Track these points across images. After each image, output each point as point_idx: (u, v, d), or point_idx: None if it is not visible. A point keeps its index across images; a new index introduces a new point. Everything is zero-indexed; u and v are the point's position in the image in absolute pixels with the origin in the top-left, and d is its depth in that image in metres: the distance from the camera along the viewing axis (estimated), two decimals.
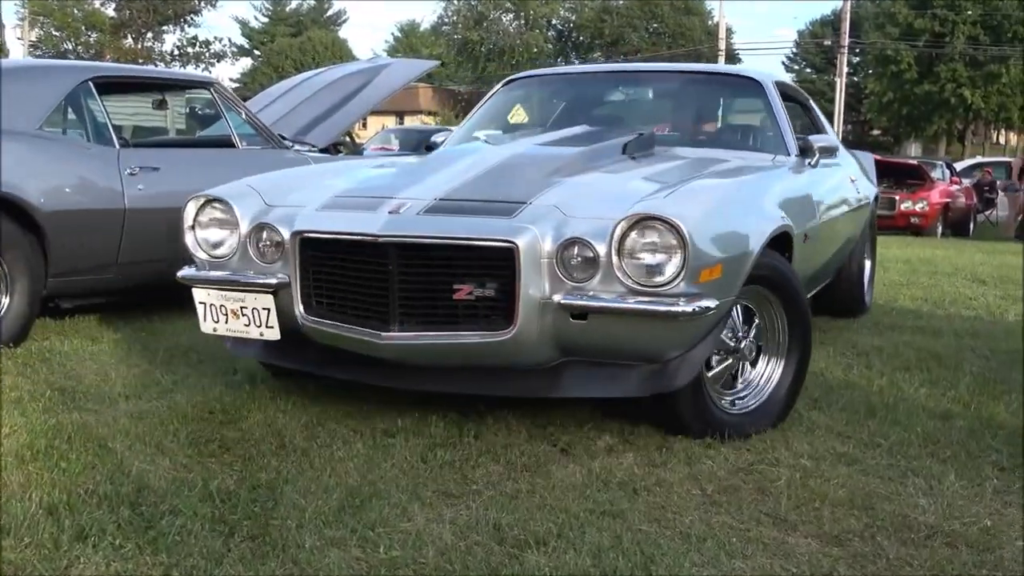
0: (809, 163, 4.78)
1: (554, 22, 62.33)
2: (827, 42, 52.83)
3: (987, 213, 21.72)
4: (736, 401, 3.72)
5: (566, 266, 3.23)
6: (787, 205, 3.98)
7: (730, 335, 3.66)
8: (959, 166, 23.77)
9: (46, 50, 40.39)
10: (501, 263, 3.21)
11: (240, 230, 3.74)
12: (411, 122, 50.55)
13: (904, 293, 7.69)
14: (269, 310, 3.63)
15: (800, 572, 2.49)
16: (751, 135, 5.18)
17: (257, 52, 61.26)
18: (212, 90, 6.36)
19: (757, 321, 3.76)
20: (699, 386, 3.50)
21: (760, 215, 3.69)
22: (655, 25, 59.27)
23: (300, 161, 6.41)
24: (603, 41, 59.40)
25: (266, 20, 63.13)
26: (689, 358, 3.34)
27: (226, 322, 3.72)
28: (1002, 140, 64.15)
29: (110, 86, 5.90)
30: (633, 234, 3.17)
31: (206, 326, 3.77)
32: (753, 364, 3.79)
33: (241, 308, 3.67)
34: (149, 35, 42.56)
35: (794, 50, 62.78)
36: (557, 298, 3.21)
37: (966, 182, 20.62)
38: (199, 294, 3.75)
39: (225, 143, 6.26)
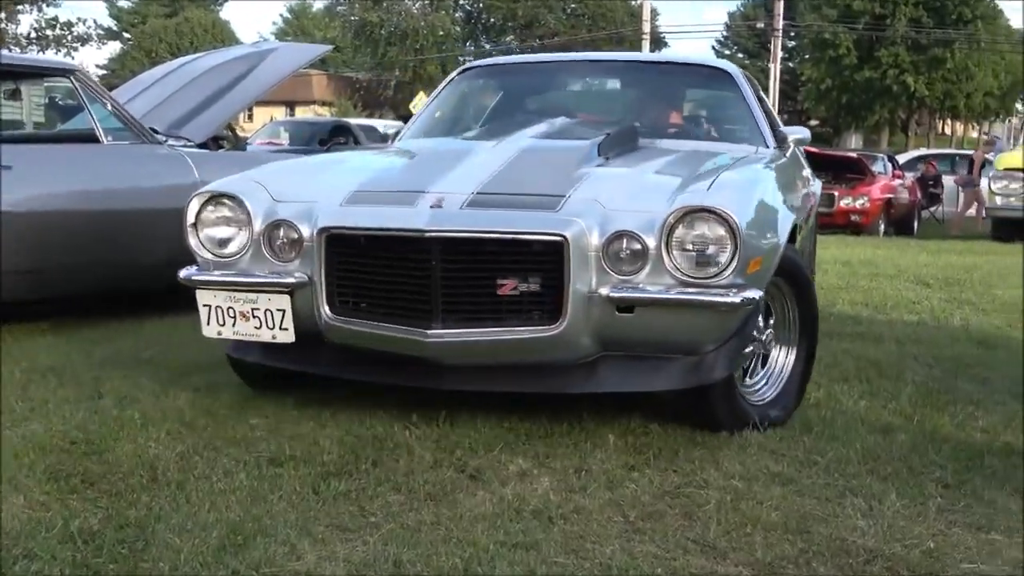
0: (786, 155, 5.13)
1: (462, 2, 62.49)
2: (760, 24, 53.78)
3: (932, 209, 22.23)
4: (755, 392, 4.11)
5: (613, 259, 3.56)
6: (791, 198, 4.47)
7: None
8: (902, 159, 24.29)
9: None
10: (549, 257, 3.53)
11: (252, 227, 3.89)
12: (303, 113, 50.22)
13: (843, 297, 7.85)
14: (284, 311, 3.80)
15: None
16: (729, 127, 5.53)
17: (127, 35, 60.35)
18: (73, 78, 6.23)
19: (774, 311, 4.14)
20: (731, 379, 3.85)
21: (783, 208, 4.12)
22: (573, 6, 59.80)
23: (174, 158, 6.32)
24: (516, 23, 59.74)
25: None
26: (727, 349, 3.73)
27: (233, 325, 3.87)
28: (948, 130, 66.01)
29: None
30: (682, 226, 3.53)
31: (209, 330, 3.91)
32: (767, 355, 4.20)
33: (252, 310, 3.83)
34: (2, 15, 41.56)
35: (725, 33, 63.88)
36: (603, 291, 3.54)
37: (909, 176, 21.09)
38: (204, 296, 3.89)
39: (88, 138, 6.14)
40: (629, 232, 3.55)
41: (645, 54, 7.37)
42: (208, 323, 3.90)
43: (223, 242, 3.96)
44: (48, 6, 41.06)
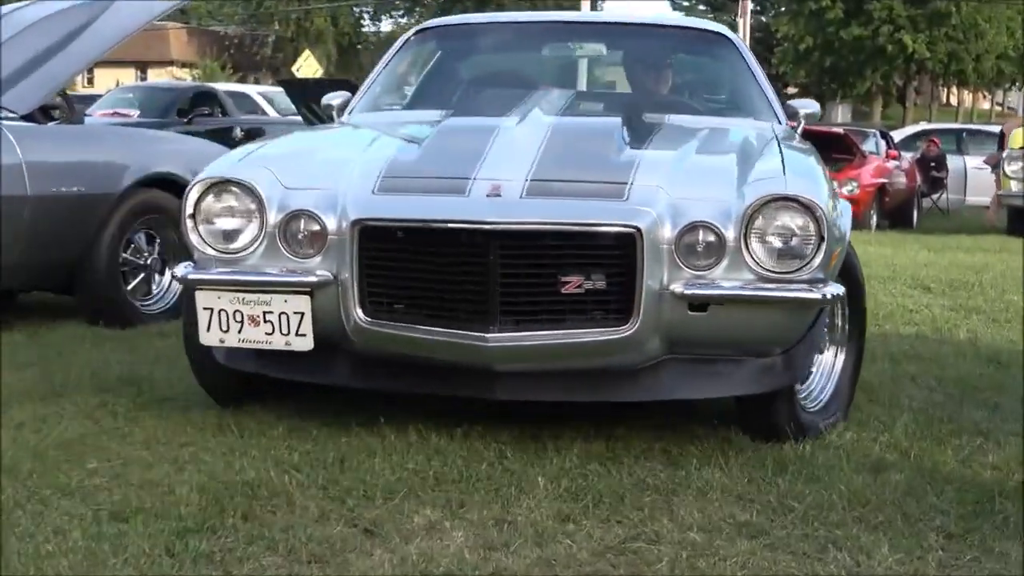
0: (798, 133, 5.58)
1: None
2: None
3: (934, 197, 22.33)
4: (808, 397, 4.52)
5: (686, 252, 3.86)
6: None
7: None
8: (898, 135, 24.50)
9: None
10: (620, 250, 3.83)
11: (266, 219, 4.04)
12: (158, 76, 49.76)
13: None
14: (302, 315, 3.97)
15: None
16: (738, 101, 5.95)
17: None
18: None
19: (827, 309, 4.42)
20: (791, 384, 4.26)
21: (837, 195, 4.46)
22: None
23: None
24: None
25: None
26: (801, 350, 4.15)
27: (239, 331, 4.03)
28: (953, 100, 67.02)
29: None
30: (762, 217, 3.86)
31: (210, 337, 4.07)
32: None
33: (264, 314, 4.00)
34: None
35: None
36: (675, 288, 3.84)
37: (907, 157, 21.28)
38: (204, 298, 4.05)
39: None
40: (705, 223, 3.86)
41: (630, 14, 7.69)
42: (208, 329, 4.04)
43: (229, 235, 4.10)
44: None
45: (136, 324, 6.37)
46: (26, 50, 7.43)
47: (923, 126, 31.14)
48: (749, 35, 39.20)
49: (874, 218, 17.78)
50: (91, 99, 18.80)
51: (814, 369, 4.57)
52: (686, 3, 63.42)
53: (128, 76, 48.44)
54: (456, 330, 3.89)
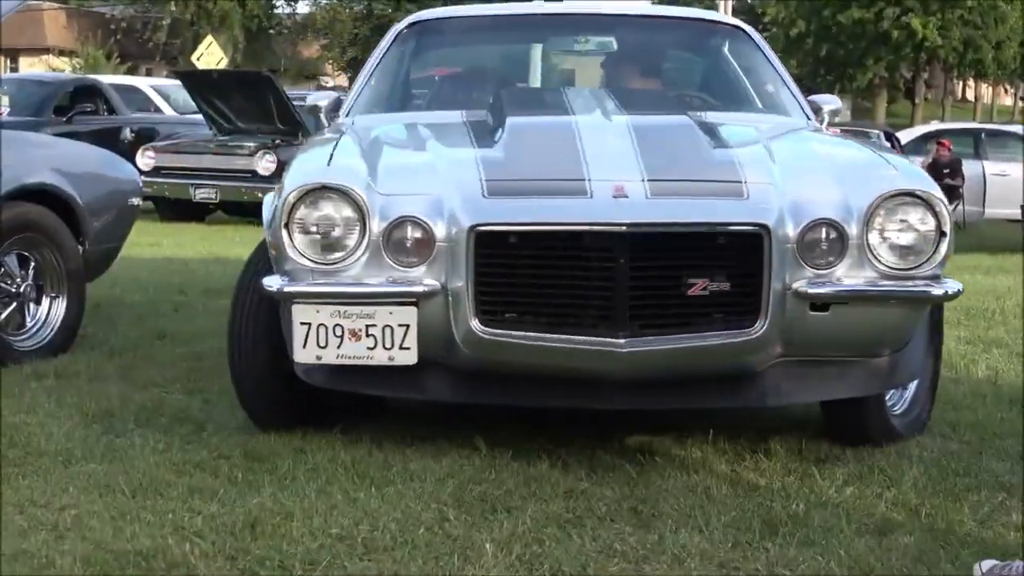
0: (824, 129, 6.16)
1: None
2: None
3: (949, 208, 22.43)
4: (894, 402, 5.11)
5: (808, 251, 4.36)
6: None
7: None
8: (905, 136, 24.62)
9: None
10: (747, 250, 4.32)
11: (369, 227, 4.36)
12: (32, 67, 49.47)
13: None
14: (408, 327, 4.33)
15: None
16: (767, 98, 6.40)
17: None
18: None
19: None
20: None
21: None
22: None
23: None
24: None
25: None
26: (911, 350, 4.71)
27: (339, 346, 4.34)
28: (970, 95, 67.46)
29: None
30: (883, 213, 4.38)
31: (306, 353, 4.38)
32: None
33: (368, 327, 4.32)
34: None
35: None
36: (798, 287, 4.33)
37: (916, 161, 21.43)
38: (302, 312, 4.35)
39: None
40: (828, 220, 4.38)
41: (640, 4, 7.90)
42: (305, 345, 4.36)
43: (328, 246, 4.39)
44: None
45: (7, 363, 6.08)
46: None
47: (935, 125, 31.21)
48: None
49: None
50: None
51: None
52: None
53: None
54: (582, 336, 4.32)
